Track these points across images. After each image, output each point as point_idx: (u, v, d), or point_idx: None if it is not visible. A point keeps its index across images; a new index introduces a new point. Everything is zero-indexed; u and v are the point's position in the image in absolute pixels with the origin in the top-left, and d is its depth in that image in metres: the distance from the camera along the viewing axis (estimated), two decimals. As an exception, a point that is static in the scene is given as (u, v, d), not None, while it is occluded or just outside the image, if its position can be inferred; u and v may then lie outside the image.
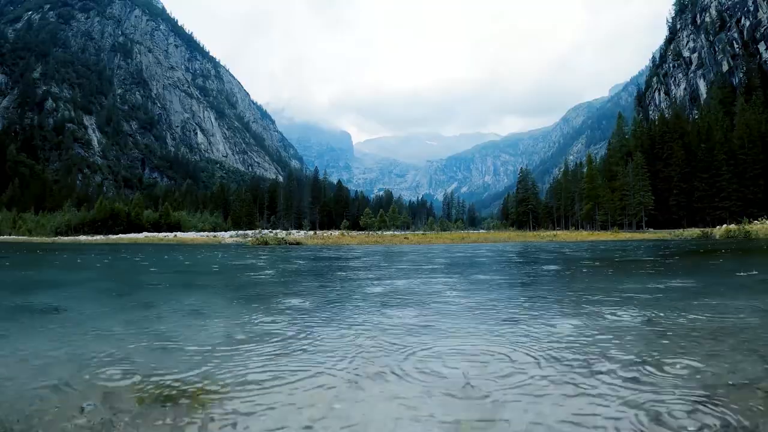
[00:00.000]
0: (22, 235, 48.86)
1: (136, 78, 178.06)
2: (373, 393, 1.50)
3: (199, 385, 1.58)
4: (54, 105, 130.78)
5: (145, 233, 43.89)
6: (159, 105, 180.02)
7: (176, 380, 1.62)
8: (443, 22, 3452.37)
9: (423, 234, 39.03)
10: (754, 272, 5.39)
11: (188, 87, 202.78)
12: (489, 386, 1.52)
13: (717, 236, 21.10)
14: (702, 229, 29.64)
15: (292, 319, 2.83)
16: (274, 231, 41.30)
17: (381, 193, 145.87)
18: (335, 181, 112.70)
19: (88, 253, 14.74)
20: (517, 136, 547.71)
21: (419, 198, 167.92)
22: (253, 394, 1.49)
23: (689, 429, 1.17)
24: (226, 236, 34.10)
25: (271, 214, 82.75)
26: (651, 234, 31.90)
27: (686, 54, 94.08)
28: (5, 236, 47.39)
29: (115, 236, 40.68)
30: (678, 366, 1.71)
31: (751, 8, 78.97)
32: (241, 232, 43.89)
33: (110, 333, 2.46)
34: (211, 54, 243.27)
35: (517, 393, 1.46)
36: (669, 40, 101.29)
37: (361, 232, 42.95)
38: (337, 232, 39.36)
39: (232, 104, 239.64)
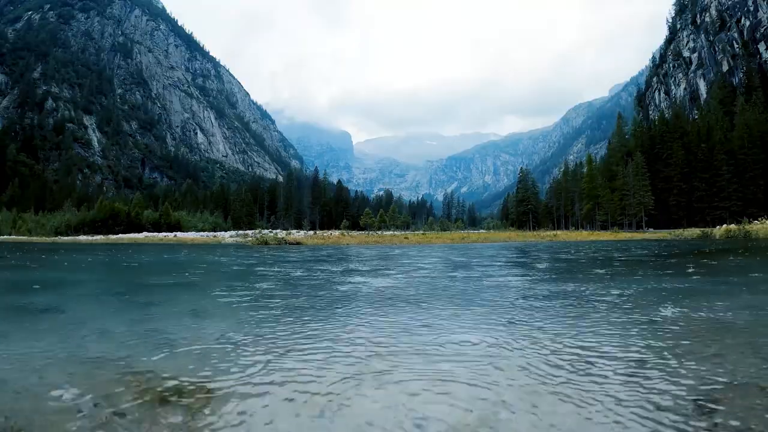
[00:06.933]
0: (22, 235, 48.80)
1: (136, 78, 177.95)
2: (373, 392, 1.50)
3: (199, 385, 1.58)
4: (54, 105, 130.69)
5: (145, 233, 43.84)
6: (159, 105, 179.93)
7: (176, 380, 1.63)
8: (443, 22, 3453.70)
9: (423, 234, 38.97)
10: None
11: (188, 87, 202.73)
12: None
13: (717, 236, 21.08)
14: (702, 229, 29.59)
15: (293, 319, 2.83)
16: (274, 231, 41.25)
17: (381, 193, 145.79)
18: (335, 181, 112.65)
19: (88, 252, 14.73)
20: (517, 136, 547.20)
21: (419, 198, 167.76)
22: (253, 393, 1.49)
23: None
24: (226, 236, 34.07)
25: (271, 214, 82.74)
26: (651, 234, 31.89)
27: (686, 54, 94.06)
28: (5, 236, 47.33)
29: (115, 236, 40.62)
30: None
31: (751, 8, 78.95)
32: (241, 232, 43.85)
33: (110, 333, 2.47)
34: (211, 54, 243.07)
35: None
36: (669, 40, 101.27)
37: (361, 232, 42.95)
38: (337, 232, 39.36)
39: (232, 104, 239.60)
